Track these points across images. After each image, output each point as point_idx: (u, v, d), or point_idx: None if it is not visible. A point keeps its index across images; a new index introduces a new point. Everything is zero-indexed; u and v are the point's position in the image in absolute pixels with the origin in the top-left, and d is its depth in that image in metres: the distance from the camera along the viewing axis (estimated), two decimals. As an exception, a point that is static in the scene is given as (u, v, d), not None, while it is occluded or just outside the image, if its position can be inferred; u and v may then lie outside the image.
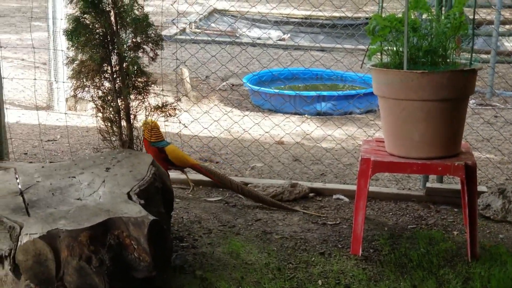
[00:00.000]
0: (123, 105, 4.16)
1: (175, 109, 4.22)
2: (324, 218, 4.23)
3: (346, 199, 4.53)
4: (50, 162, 3.67)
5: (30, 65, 8.84)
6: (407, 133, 3.65)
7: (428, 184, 4.60)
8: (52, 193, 3.34)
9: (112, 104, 4.14)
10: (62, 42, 7.07)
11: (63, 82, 6.94)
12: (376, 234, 3.99)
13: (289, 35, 10.76)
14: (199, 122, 5.82)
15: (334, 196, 4.58)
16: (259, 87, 7.30)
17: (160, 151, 4.32)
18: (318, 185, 4.74)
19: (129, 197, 3.28)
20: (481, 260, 3.62)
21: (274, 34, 10.87)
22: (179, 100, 4.40)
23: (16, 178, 3.51)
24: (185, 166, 4.54)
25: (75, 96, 4.10)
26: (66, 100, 8.05)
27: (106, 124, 4.19)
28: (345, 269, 3.56)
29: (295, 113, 6.95)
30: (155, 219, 3.10)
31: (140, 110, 4.21)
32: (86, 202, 3.24)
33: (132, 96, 4.15)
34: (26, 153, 5.87)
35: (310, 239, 3.91)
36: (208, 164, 5.10)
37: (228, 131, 5.99)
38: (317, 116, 6.99)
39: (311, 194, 4.60)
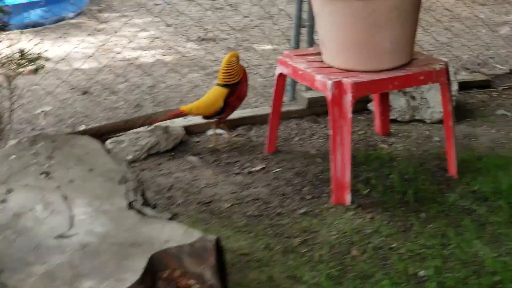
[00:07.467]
0: None
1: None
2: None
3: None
4: None
5: None
6: (380, 40, 2.93)
7: (306, 95, 3.95)
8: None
9: None
10: None
11: None
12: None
13: None
14: None
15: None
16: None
17: None
18: None
19: (139, 212, 2.06)
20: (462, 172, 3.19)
21: None
22: None
23: None
24: None
25: None
26: None
27: None
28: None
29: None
30: (218, 237, 1.99)
31: None
32: (77, 239, 1.94)
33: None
34: None
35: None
36: None
37: None
38: None
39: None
